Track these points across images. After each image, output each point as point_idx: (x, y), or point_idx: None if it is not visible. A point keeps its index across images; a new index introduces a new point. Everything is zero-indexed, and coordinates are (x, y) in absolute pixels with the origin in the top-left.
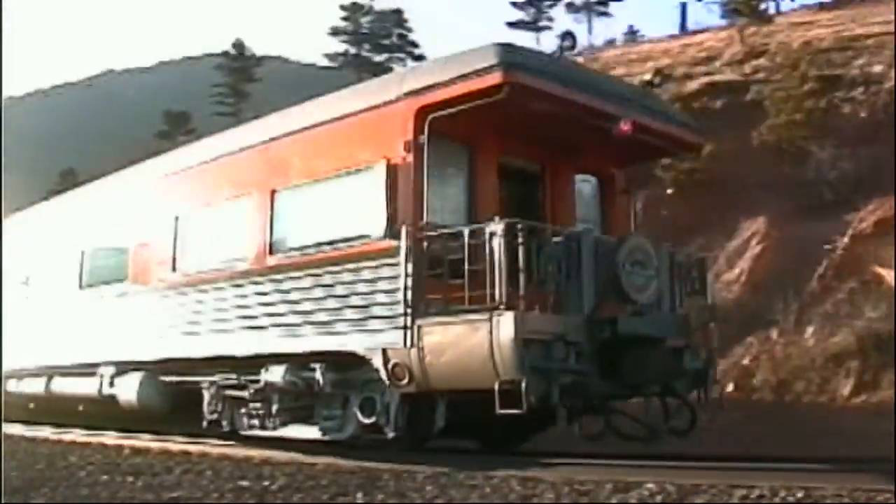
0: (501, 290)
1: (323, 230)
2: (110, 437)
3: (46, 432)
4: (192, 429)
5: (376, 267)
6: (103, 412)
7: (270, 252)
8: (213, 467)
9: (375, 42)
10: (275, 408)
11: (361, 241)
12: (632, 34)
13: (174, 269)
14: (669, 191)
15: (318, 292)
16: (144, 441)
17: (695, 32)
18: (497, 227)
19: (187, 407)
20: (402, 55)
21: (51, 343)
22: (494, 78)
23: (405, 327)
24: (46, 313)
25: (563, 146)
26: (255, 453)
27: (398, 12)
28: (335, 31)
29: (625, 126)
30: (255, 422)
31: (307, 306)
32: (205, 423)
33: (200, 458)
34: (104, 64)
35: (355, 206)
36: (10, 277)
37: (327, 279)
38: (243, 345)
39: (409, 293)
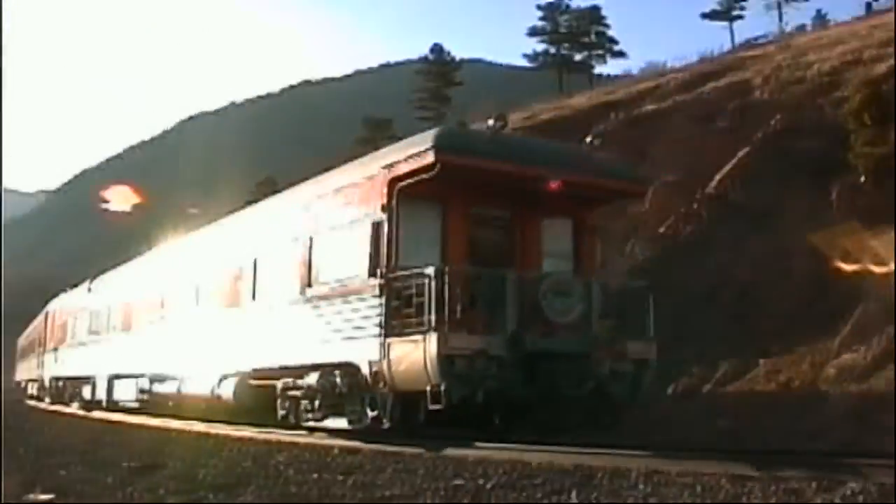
0: (430, 318)
1: (337, 269)
2: (318, 437)
3: (249, 431)
4: (269, 421)
5: (364, 299)
6: (212, 408)
7: (309, 285)
8: (426, 466)
9: (574, 40)
10: (317, 404)
11: (358, 280)
12: (821, 18)
13: (253, 297)
14: (863, 178)
15: (334, 318)
16: (355, 442)
17: (882, 13)
18: (429, 271)
19: (267, 404)
20: (600, 52)
21: (180, 354)
22: (429, 158)
23: (381, 344)
24: (177, 332)
25: (529, 197)
26: (471, 452)
27: (595, 9)
28: (534, 32)
29: (552, 185)
30: (309, 415)
31: (329, 328)
32: (279, 417)
33: (413, 457)
34: (301, 75)
35: (354, 252)
36: (150, 301)
37: (339, 307)
38: (293, 357)
39: (383, 319)
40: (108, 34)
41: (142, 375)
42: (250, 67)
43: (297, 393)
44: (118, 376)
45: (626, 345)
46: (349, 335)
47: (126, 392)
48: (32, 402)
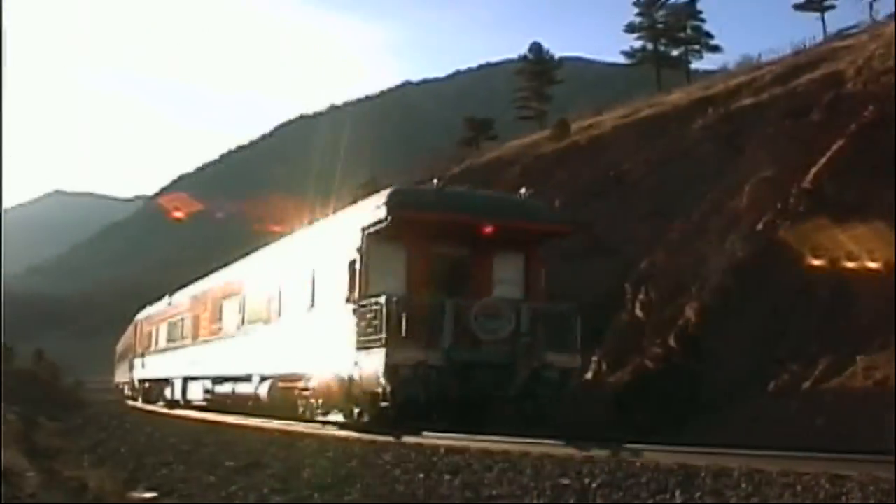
0: (383, 336)
1: (330, 296)
2: (426, 437)
3: (353, 432)
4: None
5: (343, 321)
6: (256, 406)
7: (312, 305)
8: (533, 465)
9: (671, 36)
10: (321, 402)
11: (340, 305)
12: None
13: (279, 315)
14: None
15: (327, 335)
16: (462, 441)
17: None
18: (381, 299)
19: (292, 402)
20: (696, 47)
21: (232, 360)
22: (383, 212)
23: (355, 356)
24: (229, 342)
25: (482, 237)
26: (576, 451)
27: (691, 4)
28: (631, 28)
29: (486, 229)
30: (318, 411)
31: (324, 343)
32: (299, 413)
33: (521, 456)
34: (401, 76)
35: (338, 283)
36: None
37: (330, 327)
38: (300, 365)
39: (355, 336)
40: (207, 41)
41: (206, 378)
42: (350, 70)
43: (308, 393)
44: (189, 379)
45: (550, 356)
46: (336, 349)
47: (196, 392)
48: (130, 403)
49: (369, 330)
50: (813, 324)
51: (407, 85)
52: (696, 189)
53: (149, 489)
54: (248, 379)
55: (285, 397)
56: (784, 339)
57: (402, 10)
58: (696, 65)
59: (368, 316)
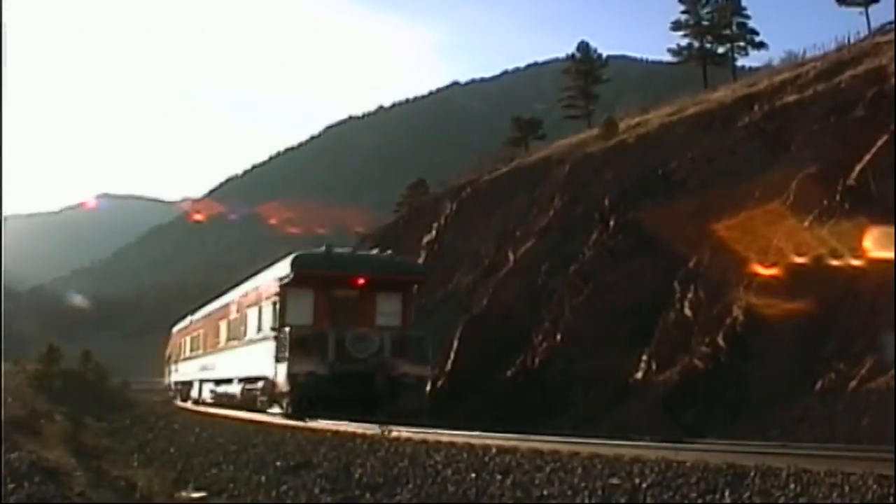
0: (286, 353)
1: (264, 325)
2: (475, 437)
3: (406, 431)
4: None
5: (269, 342)
6: (235, 403)
7: (259, 330)
8: (583, 465)
9: (716, 33)
10: (265, 399)
11: (269, 332)
12: None
13: (244, 335)
14: None
15: (261, 352)
16: (512, 441)
17: None
18: (284, 331)
19: (252, 398)
20: (742, 43)
21: (223, 369)
22: (290, 270)
23: (274, 367)
24: (220, 354)
25: (367, 283)
26: (626, 451)
27: (736, 0)
28: (677, 25)
29: (359, 281)
30: (266, 407)
31: (260, 357)
32: (257, 406)
33: (571, 456)
34: (448, 77)
35: (270, 317)
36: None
37: (263, 347)
38: (255, 370)
39: (275, 353)
40: (256, 44)
41: (211, 381)
42: (397, 72)
43: (257, 392)
44: (203, 381)
45: (405, 368)
46: (267, 362)
47: (206, 392)
48: (178, 403)
49: (281, 349)
50: (858, 322)
51: (454, 85)
52: (741, 187)
53: (198, 489)
54: (231, 381)
55: (248, 395)
56: (829, 338)
57: (449, 11)
58: (741, 61)
59: (281, 339)
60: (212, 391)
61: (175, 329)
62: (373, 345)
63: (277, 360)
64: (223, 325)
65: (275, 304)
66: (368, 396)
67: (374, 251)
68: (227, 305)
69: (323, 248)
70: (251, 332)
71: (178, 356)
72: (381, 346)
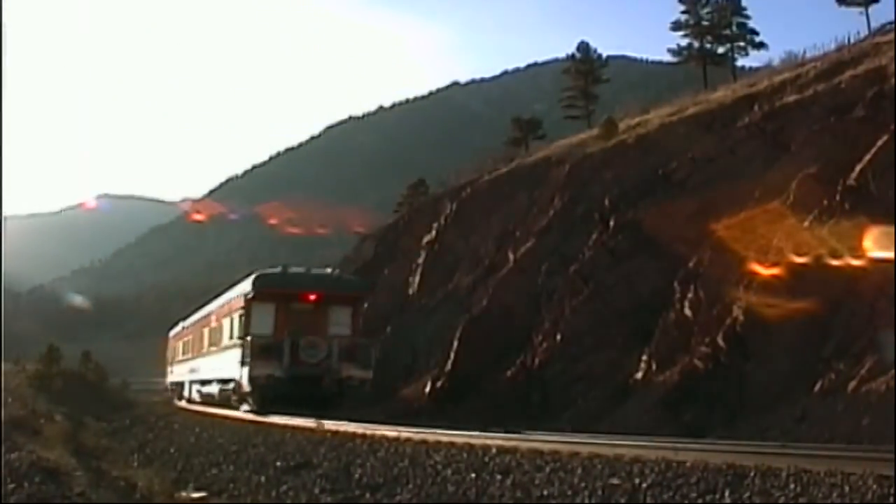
0: (248, 358)
1: (234, 334)
2: (475, 437)
3: (407, 432)
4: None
5: (237, 349)
6: (215, 401)
7: (231, 338)
8: (583, 465)
9: (716, 33)
10: (235, 399)
11: (237, 339)
12: None
13: (220, 342)
14: None
15: (230, 357)
16: (512, 441)
17: None
18: (248, 339)
19: (227, 397)
20: (742, 44)
21: (205, 371)
22: (251, 287)
23: (241, 370)
24: (203, 358)
25: (320, 298)
26: (626, 451)
27: (736, 0)
28: (676, 26)
29: (311, 297)
30: (237, 405)
31: (229, 361)
32: (230, 404)
33: (571, 456)
34: (448, 77)
35: (238, 327)
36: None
37: (232, 353)
38: (227, 373)
39: (241, 358)
40: (255, 44)
41: (197, 382)
42: (398, 71)
43: (229, 392)
44: (192, 382)
45: (350, 371)
46: (235, 365)
47: (195, 392)
48: (177, 403)
49: (245, 355)
50: (858, 322)
51: (454, 85)
52: (741, 187)
53: (198, 489)
54: (211, 383)
55: (223, 395)
56: (829, 338)
57: (450, 12)
58: (741, 62)
59: (245, 346)
60: (198, 391)
61: (171, 333)
62: (322, 351)
63: (242, 364)
64: (206, 332)
65: (241, 315)
66: (318, 396)
67: (328, 270)
68: (209, 314)
69: (279, 268)
70: (225, 339)
71: (173, 358)
72: (330, 353)
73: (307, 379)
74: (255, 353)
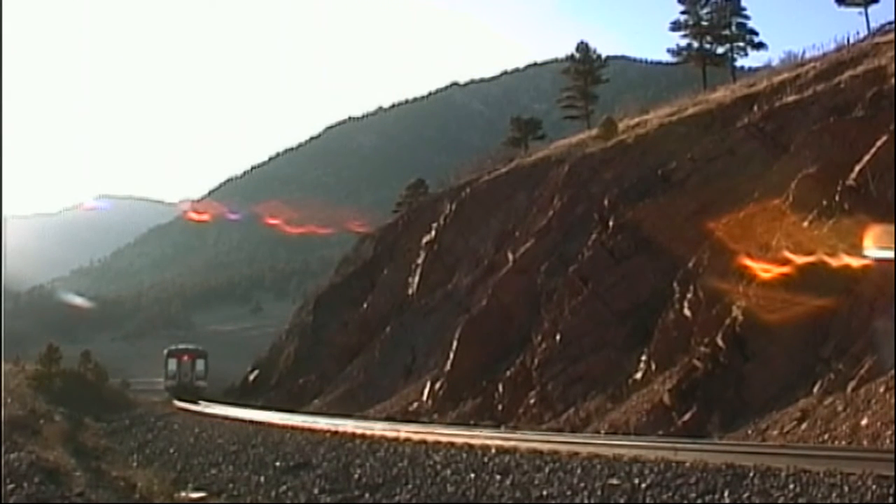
0: (166, 377)
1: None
2: (478, 437)
3: (405, 431)
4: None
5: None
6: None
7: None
8: (583, 465)
9: (716, 33)
10: (166, 394)
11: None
12: None
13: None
14: None
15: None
16: (511, 441)
17: None
18: (167, 370)
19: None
20: (741, 44)
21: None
22: (166, 351)
23: (165, 382)
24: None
25: (190, 357)
26: (625, 451)
27: (735, 1)
28: (676, 26)
29: (186, 357)
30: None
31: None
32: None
33: (570, 456)
34: (448, 78)
35: (165, 366)
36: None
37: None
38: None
39: (164, 377)
40: (254, 44)
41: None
42: (397, 72)
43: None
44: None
45: (198, 382)
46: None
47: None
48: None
49: (165, 376)
50: (858, 322)
51: (454, 85)
52: (741, 187)
53: (198, 489)
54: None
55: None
56: (829, 338)
57: (449, 12)
58: (740, 62)
59: (166, 373)
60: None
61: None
62: (188, 374)
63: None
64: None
65: (167, 362)
66: (189, 392)
67: (192, 345)
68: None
69: (179, 344)
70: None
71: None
72: (192, 374)
73: (184, 385)
74: (168, 376)
